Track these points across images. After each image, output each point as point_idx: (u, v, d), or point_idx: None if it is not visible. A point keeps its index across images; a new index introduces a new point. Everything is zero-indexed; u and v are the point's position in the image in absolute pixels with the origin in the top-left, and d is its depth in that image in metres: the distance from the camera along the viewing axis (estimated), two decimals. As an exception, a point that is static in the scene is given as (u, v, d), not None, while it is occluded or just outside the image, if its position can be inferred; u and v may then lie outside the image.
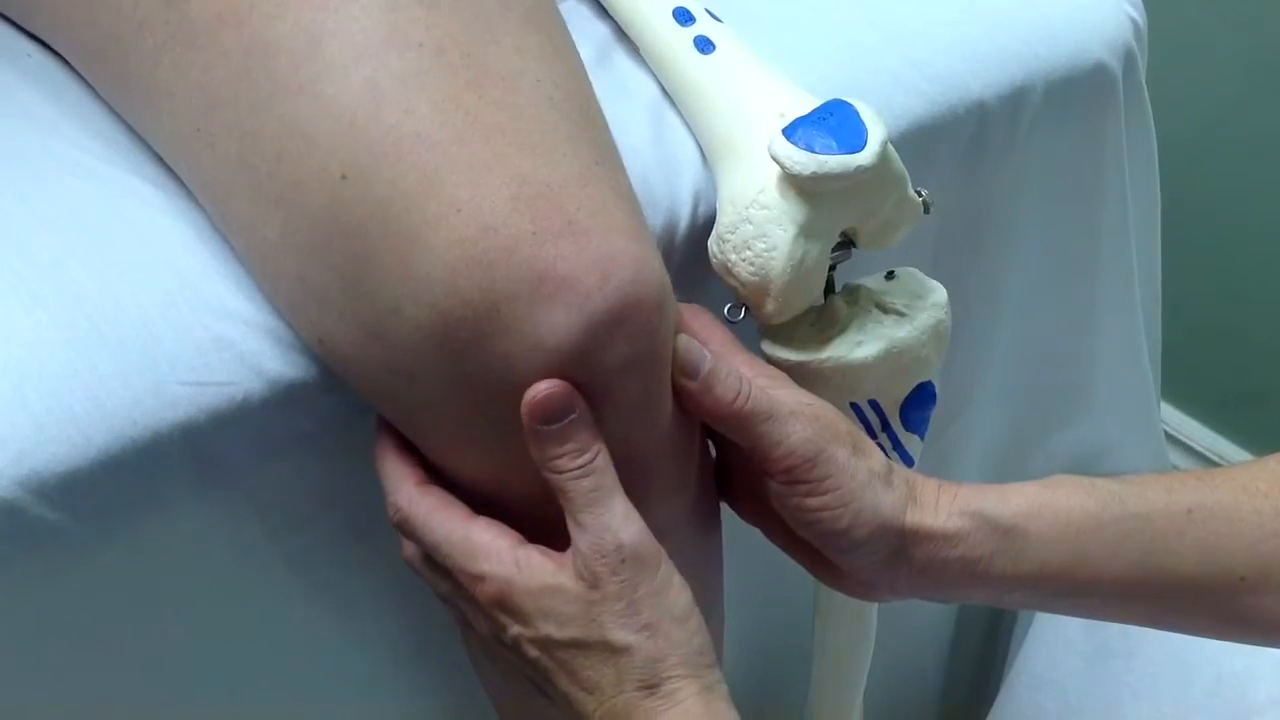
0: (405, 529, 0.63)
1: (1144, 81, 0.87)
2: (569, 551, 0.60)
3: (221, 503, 0.66)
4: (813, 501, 0.63)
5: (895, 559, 0.64)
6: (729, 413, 0.63)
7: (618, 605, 0.58)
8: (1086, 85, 0.83)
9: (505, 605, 0.60)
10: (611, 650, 0.59)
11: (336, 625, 0.73)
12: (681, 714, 0.58)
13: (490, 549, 0.60)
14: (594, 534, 0.59)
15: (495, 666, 0.66)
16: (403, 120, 0.58)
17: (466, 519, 0.61)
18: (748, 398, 0.63)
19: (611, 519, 0.59)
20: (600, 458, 0.59)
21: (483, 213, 0.57)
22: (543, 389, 0.58)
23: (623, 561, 0.58)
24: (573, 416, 0.58)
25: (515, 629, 0.60)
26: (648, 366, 0.60)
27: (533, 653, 0.61)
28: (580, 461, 0.59)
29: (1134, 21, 0.86)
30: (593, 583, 0.59)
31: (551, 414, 0.58)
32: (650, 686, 0.58)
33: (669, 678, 0.59)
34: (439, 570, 0.63)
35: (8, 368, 0.62)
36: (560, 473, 0.59)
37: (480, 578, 0.60)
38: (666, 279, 0.61)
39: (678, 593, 0.60)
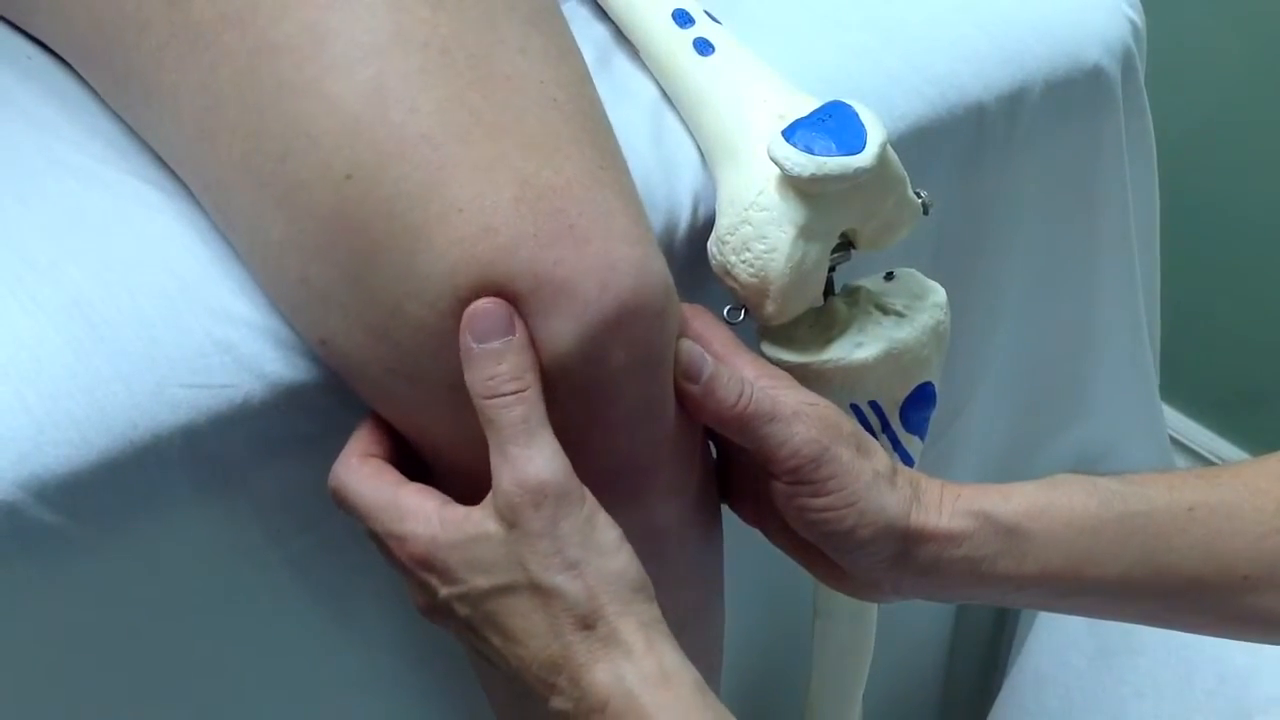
0: (337, 498, 0.62)
1: (1143, 83, 0.88)
2: (489, 497, 0.58)
3: (222, 505, 0.66)
4: (817, 502, 0.63)
5: (899, 559, 0.64)
6: (731, 415, 0.62)
7: (541, 544, 0.56)
8: (1085, 87, 0.83)
9: (430, 564, 0.59)
10: (539, 592, 0.57)
11: (338, 627, 0.73)
12: (623, 654, 0.56)
13: (416, 510, 0.59)
14: (518, 468, 0.57)
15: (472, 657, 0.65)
16: (408, 120, 0.58)
17: (396, 484, 0.61)
18: (749, 400, 0.62)
19: (538, 454, 0.57)
20: (533, 391, 0.57)
21: (485, 213, 0.57)
22: (480, 304, 0.57)
23: (545, 497, 0.56)
24: (510, 338, 0.57)
25: (444, 590, 0.59)
26: (649, 370, 0.60)
27: (463, 611, 0.59)
28: (512, 388, 0.57)
29: (1132, 23, 0.86)
30: (513, 521, 0.57)
31: (488, 329, 0.57)
32: (587, 626, 0.56)
33: (603, 616, 0.56)
34: (376, 540, 0.62)
35: (8, 370, 0.62)
36: (491, 397, 0.57)
37: (404, 538, 0.59)
38: (669, 282, 0.61)
39: (604, 529, 0.57)
